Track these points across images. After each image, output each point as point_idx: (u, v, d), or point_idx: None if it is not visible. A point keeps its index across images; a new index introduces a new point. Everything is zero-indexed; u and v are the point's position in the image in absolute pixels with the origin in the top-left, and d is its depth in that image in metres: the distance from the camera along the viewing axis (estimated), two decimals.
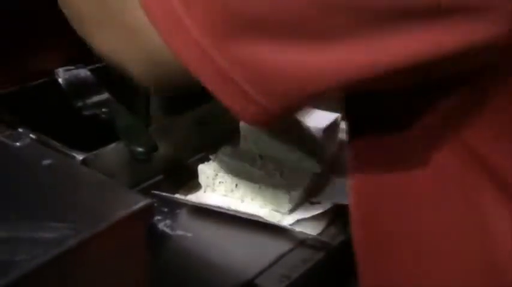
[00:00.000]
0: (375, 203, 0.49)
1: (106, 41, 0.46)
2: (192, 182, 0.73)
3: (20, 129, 0.52)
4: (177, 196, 0.70)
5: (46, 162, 0.47)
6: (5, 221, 0.41)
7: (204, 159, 0.75)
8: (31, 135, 0.51)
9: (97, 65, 0.90)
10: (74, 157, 0.65)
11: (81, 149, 0.68)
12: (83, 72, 0.86)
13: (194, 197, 0.70)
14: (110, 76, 0.90)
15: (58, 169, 0.47)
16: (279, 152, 0.74)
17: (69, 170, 0.47)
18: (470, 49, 0.35)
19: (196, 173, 0.73)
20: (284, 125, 0.76)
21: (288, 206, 0.68)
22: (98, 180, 0.46)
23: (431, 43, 0.35)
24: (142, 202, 0.42)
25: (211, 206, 0.67)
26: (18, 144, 0.50)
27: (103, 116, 0.75)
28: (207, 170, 0.71)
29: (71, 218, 0.40)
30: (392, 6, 0.34)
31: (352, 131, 0.49)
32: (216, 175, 0.70)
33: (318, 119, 0.78)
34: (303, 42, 0.35)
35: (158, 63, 0.42)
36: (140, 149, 0.66)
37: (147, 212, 0.43)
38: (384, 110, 0.44)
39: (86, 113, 0.76)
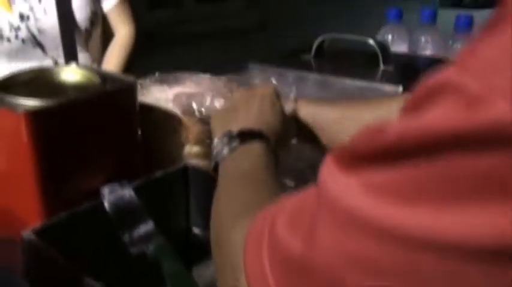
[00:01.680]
0: None
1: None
2: None
3: None
4: None
5: None
6: None
7: None
8: None
9: (138, 182, 0.94)
10: None
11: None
12: (128, 193, 0.90)
13: None
14: (152, 192, 0.95)
15: None
16: None
17: None
18: None
19: None
20: None
21: None
22: None
23: None
24: None
25: None
26: None
27: (149, 254, 0.78)
28: None
29: None
30: None
31: None
32: None
33: None
34: None
35: None
36: None
37: None
38: None
39: (133, 250, 0.80)
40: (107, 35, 1.91)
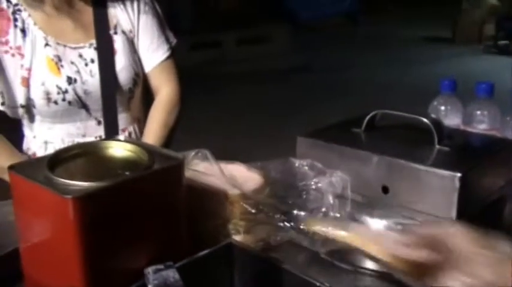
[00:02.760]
0: None
1: None
2: None
3: None
4: None
5: None
6: None
7: None
8: None
9: (183, 262, 0.94)
10: None
11: None
12: (172, 275, 0.90)
13: None
14: (196, 271, 0.95)
15: None
16: None
17: None
18: None
19: None
20: None
21: None
22: None
23: None
24: None
25: None
26: None
27: None
28: None
29: None
30: None
31: None
32: None
33: None
34: None
35: None
36: None
37: None
38: None
39: None
40: (150, 93, 1.92)
